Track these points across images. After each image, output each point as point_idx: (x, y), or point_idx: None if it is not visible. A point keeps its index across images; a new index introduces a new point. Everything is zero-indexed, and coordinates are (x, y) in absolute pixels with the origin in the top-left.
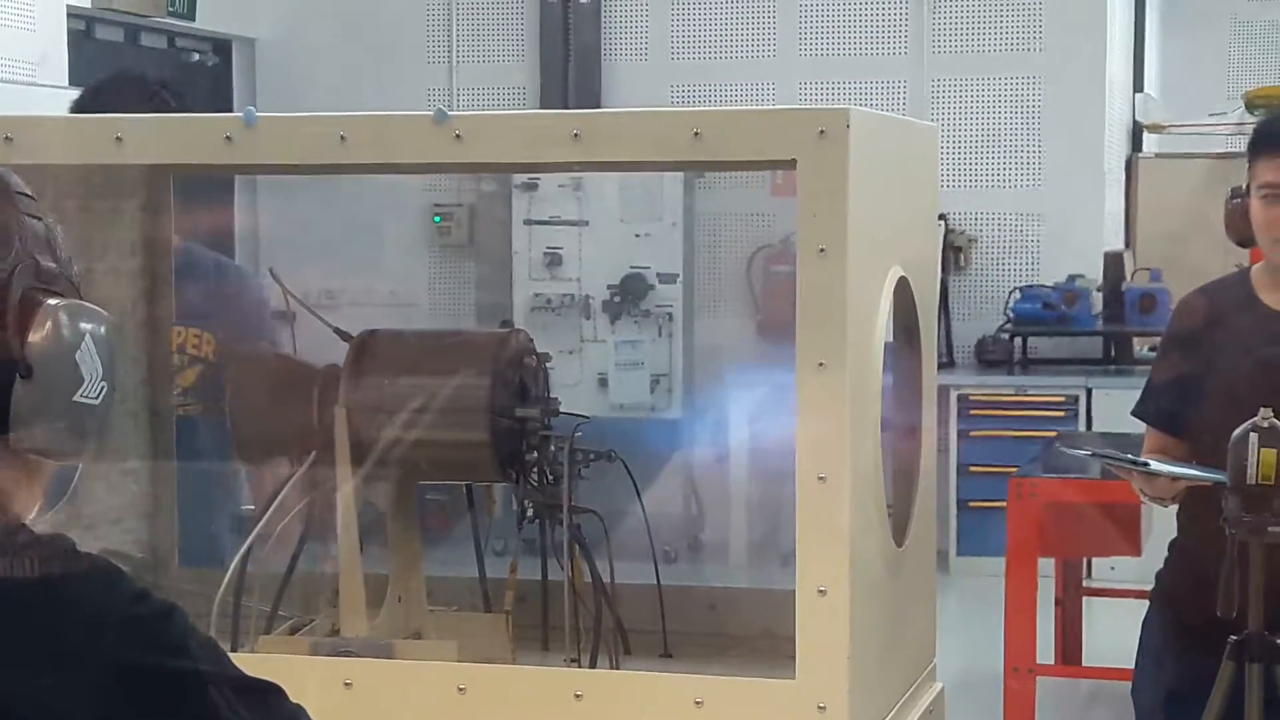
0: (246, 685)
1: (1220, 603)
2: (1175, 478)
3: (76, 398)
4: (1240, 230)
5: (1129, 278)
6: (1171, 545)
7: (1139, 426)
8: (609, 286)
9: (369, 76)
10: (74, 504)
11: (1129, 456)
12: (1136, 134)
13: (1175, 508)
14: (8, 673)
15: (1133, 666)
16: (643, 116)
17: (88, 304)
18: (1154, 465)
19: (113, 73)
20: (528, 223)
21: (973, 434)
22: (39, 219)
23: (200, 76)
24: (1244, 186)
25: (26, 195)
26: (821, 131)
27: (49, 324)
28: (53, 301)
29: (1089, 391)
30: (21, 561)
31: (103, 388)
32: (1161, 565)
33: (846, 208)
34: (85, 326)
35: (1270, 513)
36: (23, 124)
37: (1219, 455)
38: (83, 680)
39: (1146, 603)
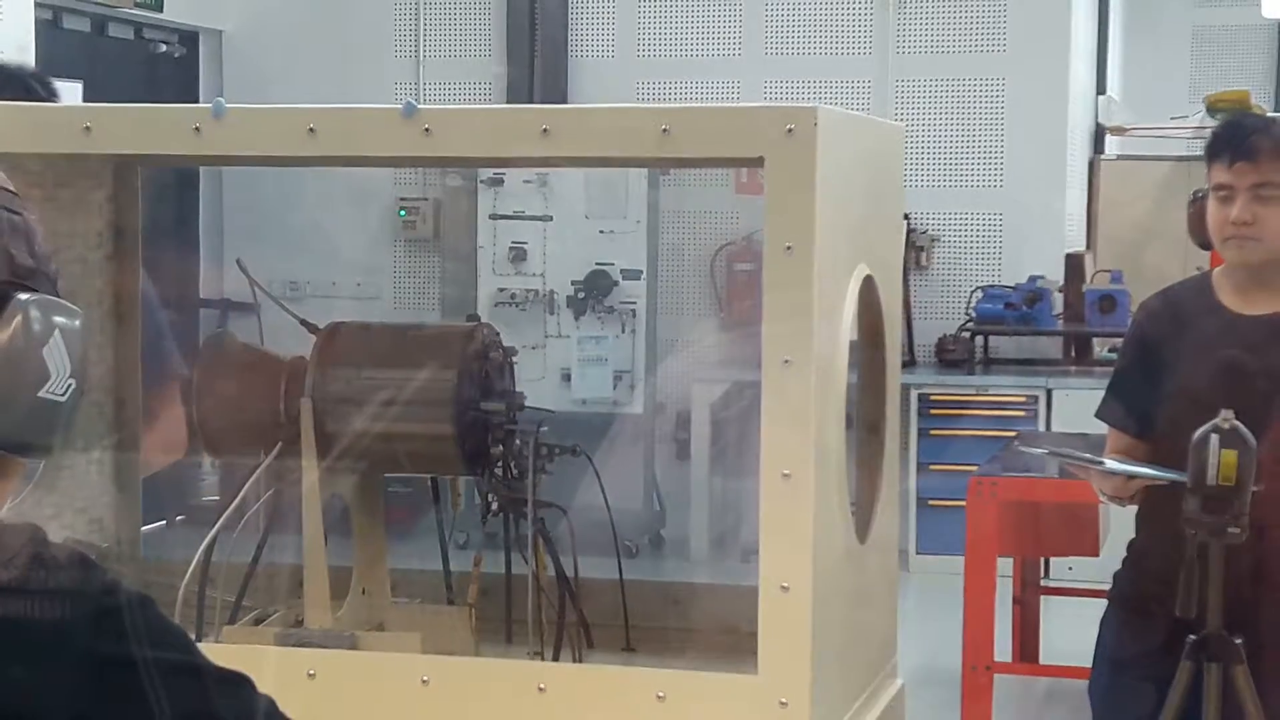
0: (218, 676)
1: (1180, 603)
2: (1131, 476)
3: (42, 393)
4: (1201, 232)
5: (1089, 279)
6: (1130, 546)
7: (1099, 426)
8: (573, 282)
9: (336, 69)
10: (38, 492)
11: (1086, 455)
12: (1098, 136)
13: (1134, 509)
14: None
15: (1090, 665)
16: (612, 113)
17: (60, 300)
18: (1109, 464)
19: None
20: (493, 217)
21: (933, 433)
22: (17, 214)
23: (167, 68)
24: (1204, 190)
25: (6, 189)
26: (790, 129)
27: (17, 318)
28: (23, 296)
29: (1049, 392)
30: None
31: (70, 385)
32: (1120, 566)
33: (814, 205)
34: (56, 322)
35: (1230, 514)
36: None
37: (1180, 457)
38: (55, 670)
39: (1104, 602)
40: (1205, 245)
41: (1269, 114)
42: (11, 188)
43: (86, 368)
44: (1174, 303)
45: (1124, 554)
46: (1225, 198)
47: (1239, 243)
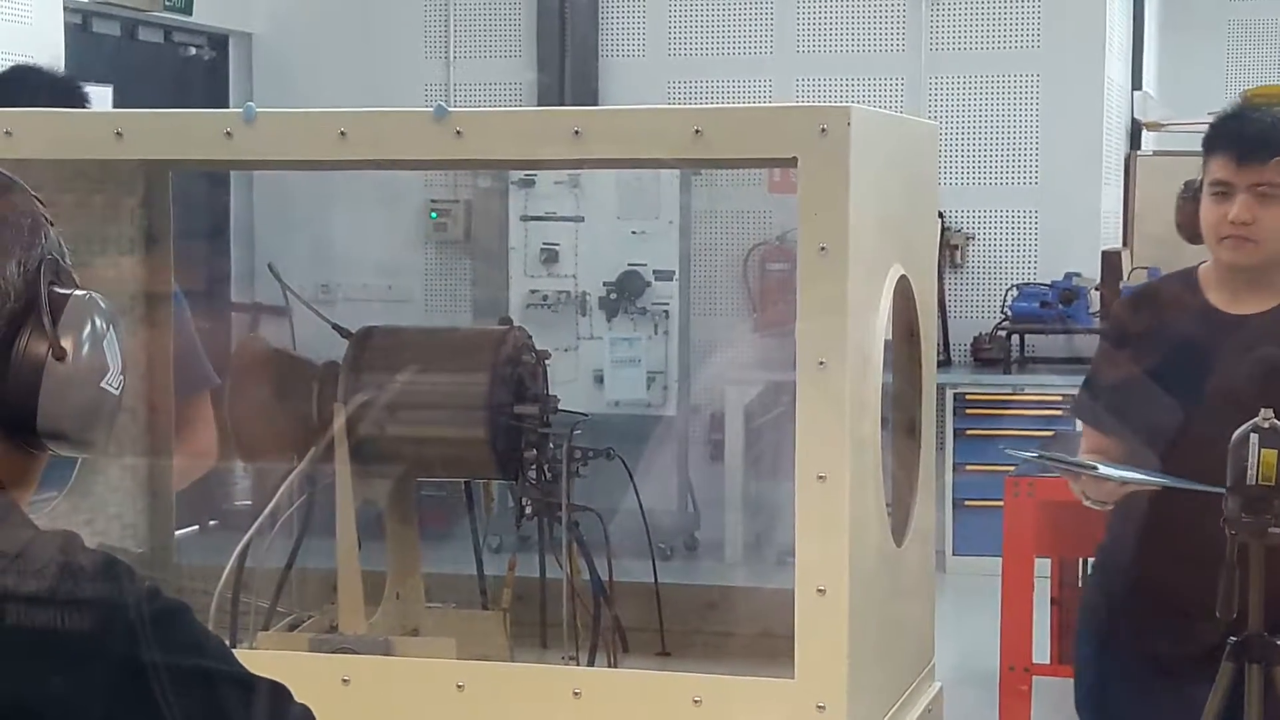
0: (254, 685)
1: (1220, 605)
2: (1124, 482)
3: (103, 384)
4: (1191, 228)
5: (1126, 276)
6: (1099, 548)
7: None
8: (605, 284)
9: (366, 72)
10: (72, 498)
11: (1075, 459)
12: (1135, 132)
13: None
14: (19, 668)
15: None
16: (644, 114)
17: (106, 300)
18: (1102, 469)
19: (12, 65)
20: (524, 219)
21: (969, 433)
22: (50, 221)
23: (197, 71)
24: (1197, 182)
25: (36, 197)
26: (823, 129)
27: (83, 308)
28: (81, 292)
29: None
30: (32, 558)
31: (122, 380)
32: (1090, 574)
33: (848, 206)
34: (112, 315)
35: (1271, 514)
36: (22, 118)
37: (1162, 458)
38: (93, 677)
39: None
40: (1193, 240)
41: None
42: (39, 196)
43: (125, 364)
44: (1157, 298)
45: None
46: (1223, 194)
47: (1235, 243)
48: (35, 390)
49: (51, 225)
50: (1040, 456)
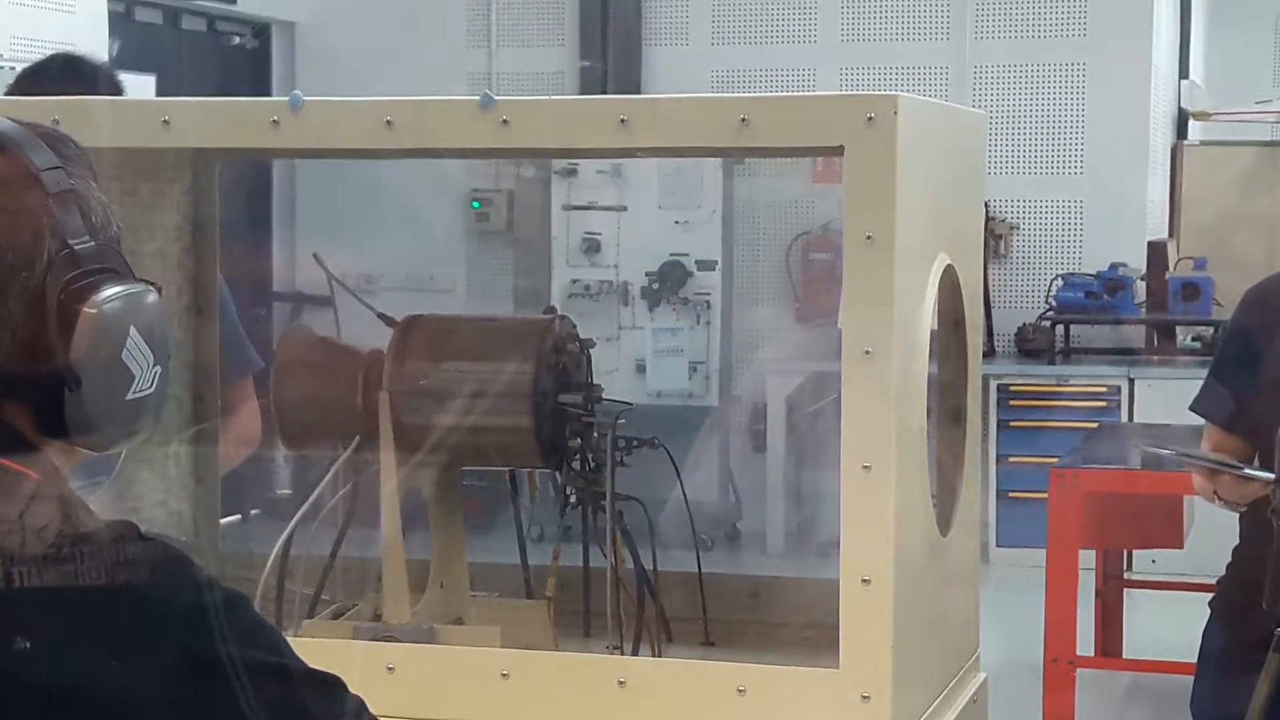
0: (310, 677)
1: (1267, 596)
2: (1269, 483)
3: (129, 396)
4: None
5: (1172, 266)
6: (1234, 551)
7: (1182, 418)
8: (647, 273)
9: (408, 60)
10: (119, 485)
11: (1220, 458)
12: (1181, 121)
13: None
14: (78, 658)
15: (1192, 675)
16: (690, 103)
17: (128, 286)
18: (1248, 470)
19: (55, 53)
20: (566, 208)
21: (1013, 424)
22: (69, 189)
23: (240, 60)
24: None
25: (52, 166)
26: (870, 118)
27: (90, 332)
28: (90, 310)
29: (1131, 382)
30: (88, 547)
31: (156, 373)
32: (1223, 571)
33: (894, 195)
34: (129, 319)
35: None
36: (69, 106)
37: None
38: (151, 667)
39: (1187, 595)
40: None
41: None
42: (55, 151)
43: (168, 344)
44: (1273, 292)
45: (1229, 558)
46: None
47: None
48: (62, 406)
49: (83, 196)
50: (1179, 454)
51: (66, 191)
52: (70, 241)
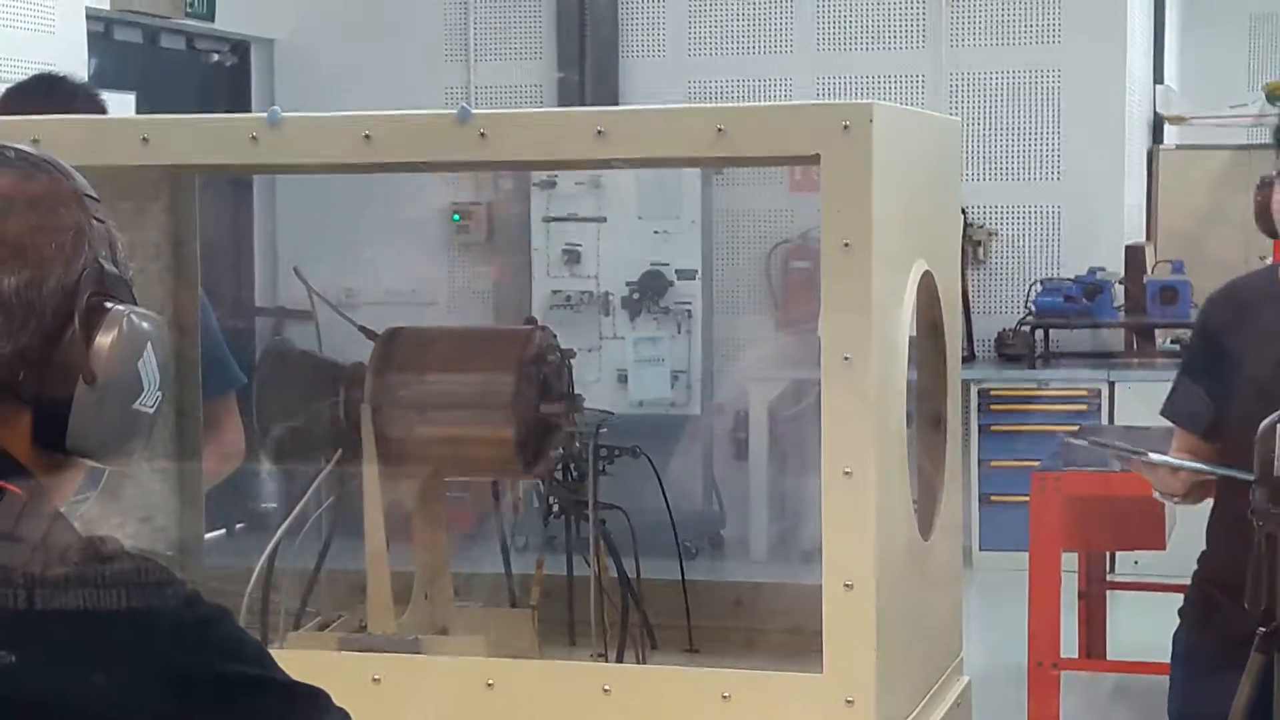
0: (295, 690)
1: (1248, 596)
2: (1175, 469)
3: (135, 405)
4: (1268, 219)
5: (1150, 270)
6: (1200, 558)
7: (1162, 420)
8: (628, 283)
9: (387, 76)
10: (103, 500)
11: (1128, 446)
12: (1157, 126)
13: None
14: (61, 673)
15: (1165, 675)
16: (667, 114)
17: (148, 311)
18: (1152, 456)
19: (36, 74)
20: (546, 220)
21: (994, 429)
22: (102, 221)
23: (219, 77)
24: (1274, 174)
25: (92, 197)
26: (845, 126)
27: (116, 331)
28: (120, 307)
29: (1111, 384)
30: (73, 563)
31: (158, 397)
32: (1190, 580)
33: (871, 202)
34: (148, 333)
35: None
36: (49, 125)
37: (1247, 453)
38: (135, 683)
39: (1170, 596)
40: (1272, 233)
41: None
42: (95, 194)
43: (168, 379)
44: (1238, 294)
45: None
46: None
47: None
48: (66, 409)
49: (109, 229)
50: (1093, 443)
51: (102, 219)
52: (100, 259)
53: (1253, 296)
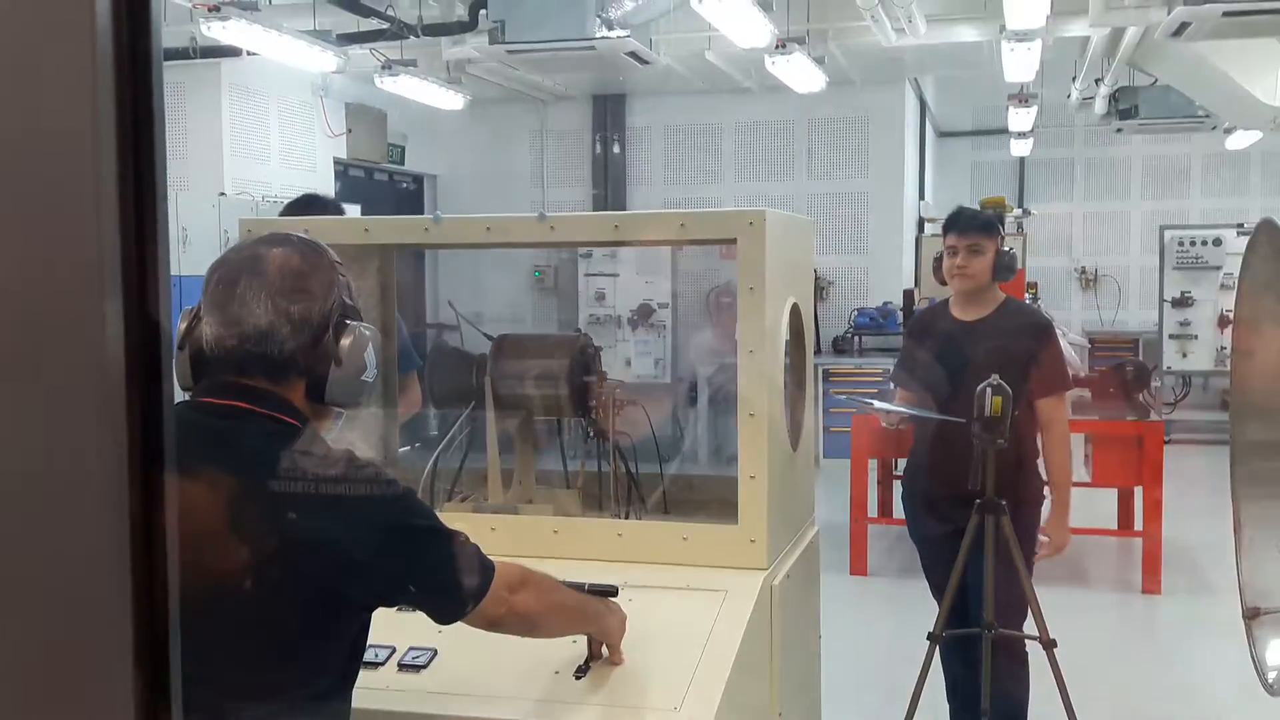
0: (450, 532)
1: (970, 481)
2: (888, 413)
3: (363, 378)
4: (939, 275)
5: (917, 301)
6: (909, 454)
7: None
8: (631, 310)
9: (499, 194)
10: (344, 429)
11: (866, 400)
12: (920, 222)
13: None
14: (321, 523)
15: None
16: (653, 215)
17: (369, 325)
18: (876, 405)
19: (305, 193)
20: (587, 275)
21: (833, 393)
22: (343, 276)
23: (407, 195)
24: (939, 251)
25: (338, 262)
26: (751, 223)
27: (352, 336)
28: (354, 323)
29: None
30: (336, 462)
31: (375, 373)
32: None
33: (765, 265)
34: (369, 337)
35: (996, 433)
36: (313, 222)
37: (931, 404)
38: (369, 526)
39: None
40: (943, 282)
41: (1001, 208)
42: (339, 260)
43: (381, 361)
44: (929, 314)
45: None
46: (952, 252)
47: (960, 279)
48: (325, 379)
49: (347, 280)
50: (849, 398)
51: (343, 274)
52: (343, 297)
53: (931, 318)
